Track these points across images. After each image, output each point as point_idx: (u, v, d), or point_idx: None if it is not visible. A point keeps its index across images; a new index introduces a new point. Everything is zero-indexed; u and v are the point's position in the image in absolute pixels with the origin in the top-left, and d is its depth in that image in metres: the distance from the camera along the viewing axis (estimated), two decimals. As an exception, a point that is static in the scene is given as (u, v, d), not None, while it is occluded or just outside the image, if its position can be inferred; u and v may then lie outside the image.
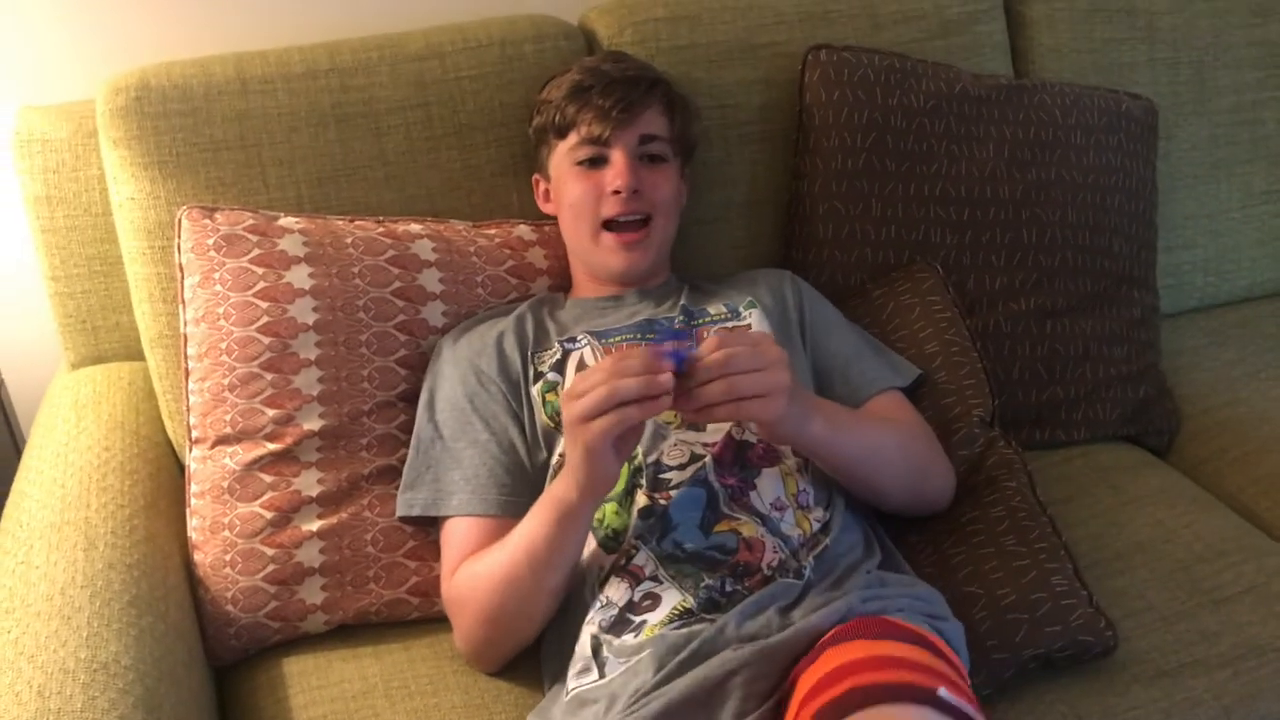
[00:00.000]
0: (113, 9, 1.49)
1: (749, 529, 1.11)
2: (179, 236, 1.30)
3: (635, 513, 1.13)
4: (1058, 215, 1.52)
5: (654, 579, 1.09)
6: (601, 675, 1.06)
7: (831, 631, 0.99)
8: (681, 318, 1.28)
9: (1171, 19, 1.71)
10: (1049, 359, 1.49)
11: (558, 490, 1.07)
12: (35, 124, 1.39)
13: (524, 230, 1.42)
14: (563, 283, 1.41)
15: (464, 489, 1.20)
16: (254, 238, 1.29)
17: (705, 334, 1.27)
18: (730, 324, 1.28)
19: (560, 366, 1.25)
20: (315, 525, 1.24)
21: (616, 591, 1.10)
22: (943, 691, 0.89)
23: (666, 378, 0.99)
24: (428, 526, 1.26)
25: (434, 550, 1.25)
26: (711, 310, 1.30)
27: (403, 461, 1.26)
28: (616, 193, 1.28)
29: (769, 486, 1.15)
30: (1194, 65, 1.72)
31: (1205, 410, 1.58)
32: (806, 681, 0.95)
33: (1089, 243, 1.53)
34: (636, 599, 1.09)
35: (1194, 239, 1.75)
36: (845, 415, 1.19)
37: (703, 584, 1.08)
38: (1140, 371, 1.55)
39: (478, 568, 1.15)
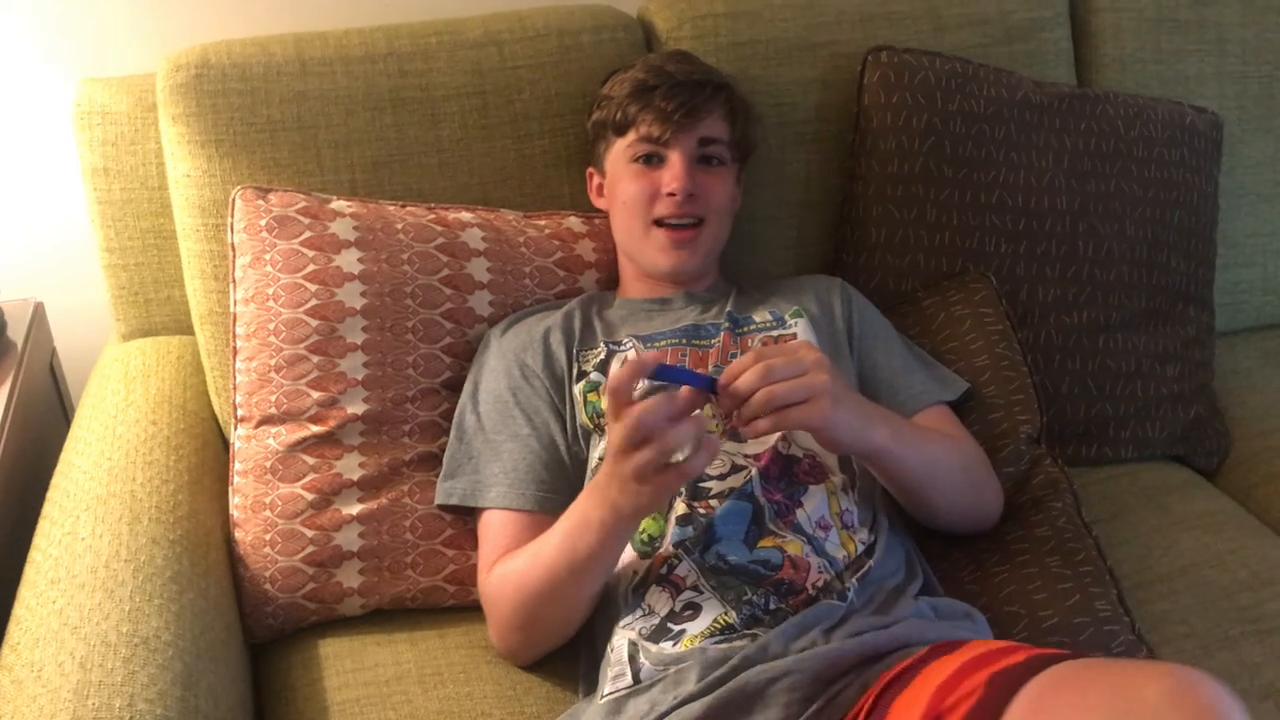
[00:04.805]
0: (176, -17, 1.50)
1: (794, 548, 1.10)
2: (232, 216, 1.30)
3: (673, 520, 1.12)
4: (1115, 228, 1.49)
5: (695, 589, 1.09)
6: (636, 681, 1.06)
7: (917, 655, 0.98)
8: (727, 324, 1.27)
9: (1242, 31, 1.67)
10: (1099, 374, 1.47)
11: (602, 508, 1.04)
12: (96, 96, 1.40)
13: (574, 222, 1.42)
14: (611, 276, 1.40)
15: (502, 482, 1.20)
16: (305, 220, 1.30)
17: (750, 343, 1.26)
18: (775, 332, 1.27)
19: (604, 367, 1.24)
20: (355, 509, 1.24)
21: (658, 601, 1.10)
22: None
23: (699, 415, 1.00)
24: (466, 516, 1.26)
25: (472, 539, 1.25)
26: (757, 318, 1.29)
27: (444, 449, 1.26)
28: (671, 195, 1.27)
29: (815, 504, 1.14)
30: (1264, 80, 1.68)
31: (1258, 434, 1.55)
32: (923, 686, 0.92)
33: (1146, 258, 1.51)
34: (678, 608, 1.09)
35: (1253, 257, 1.72)
36: (908, 426, 1.17)
37: (745, 599, 1.07)
38: (1192, 391, 1.52)
39: (514, 567, 1.14)
